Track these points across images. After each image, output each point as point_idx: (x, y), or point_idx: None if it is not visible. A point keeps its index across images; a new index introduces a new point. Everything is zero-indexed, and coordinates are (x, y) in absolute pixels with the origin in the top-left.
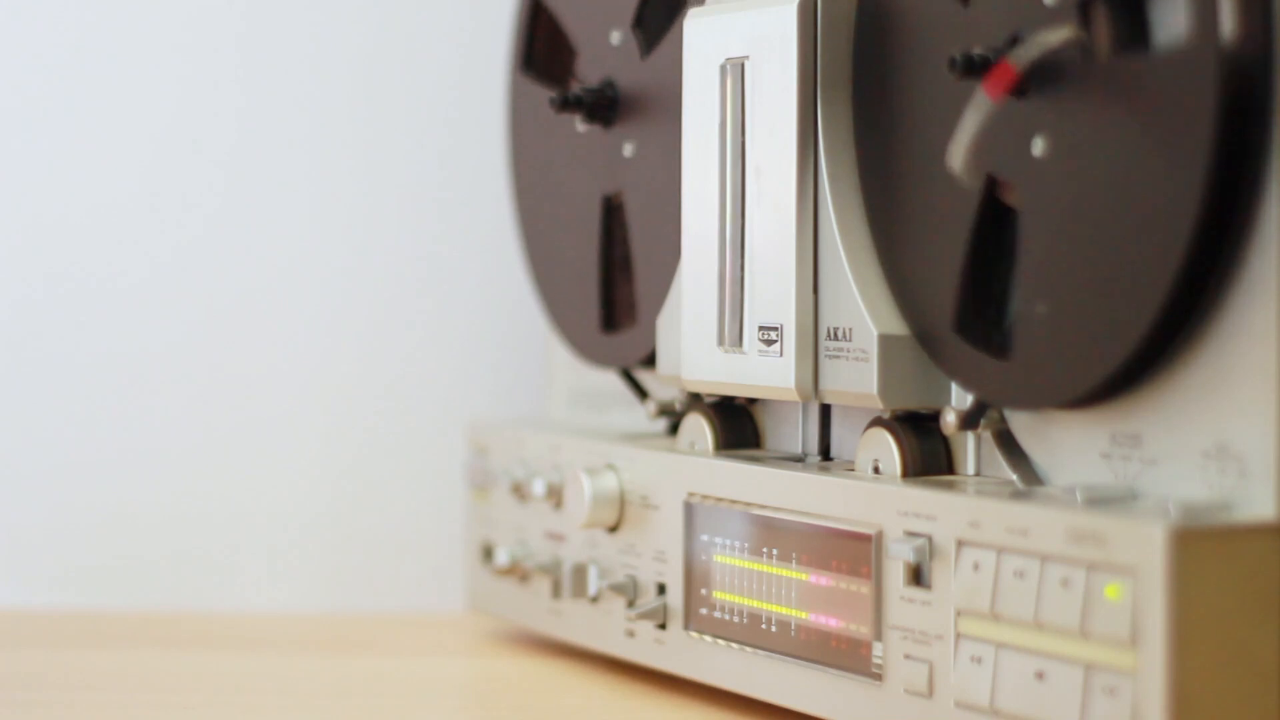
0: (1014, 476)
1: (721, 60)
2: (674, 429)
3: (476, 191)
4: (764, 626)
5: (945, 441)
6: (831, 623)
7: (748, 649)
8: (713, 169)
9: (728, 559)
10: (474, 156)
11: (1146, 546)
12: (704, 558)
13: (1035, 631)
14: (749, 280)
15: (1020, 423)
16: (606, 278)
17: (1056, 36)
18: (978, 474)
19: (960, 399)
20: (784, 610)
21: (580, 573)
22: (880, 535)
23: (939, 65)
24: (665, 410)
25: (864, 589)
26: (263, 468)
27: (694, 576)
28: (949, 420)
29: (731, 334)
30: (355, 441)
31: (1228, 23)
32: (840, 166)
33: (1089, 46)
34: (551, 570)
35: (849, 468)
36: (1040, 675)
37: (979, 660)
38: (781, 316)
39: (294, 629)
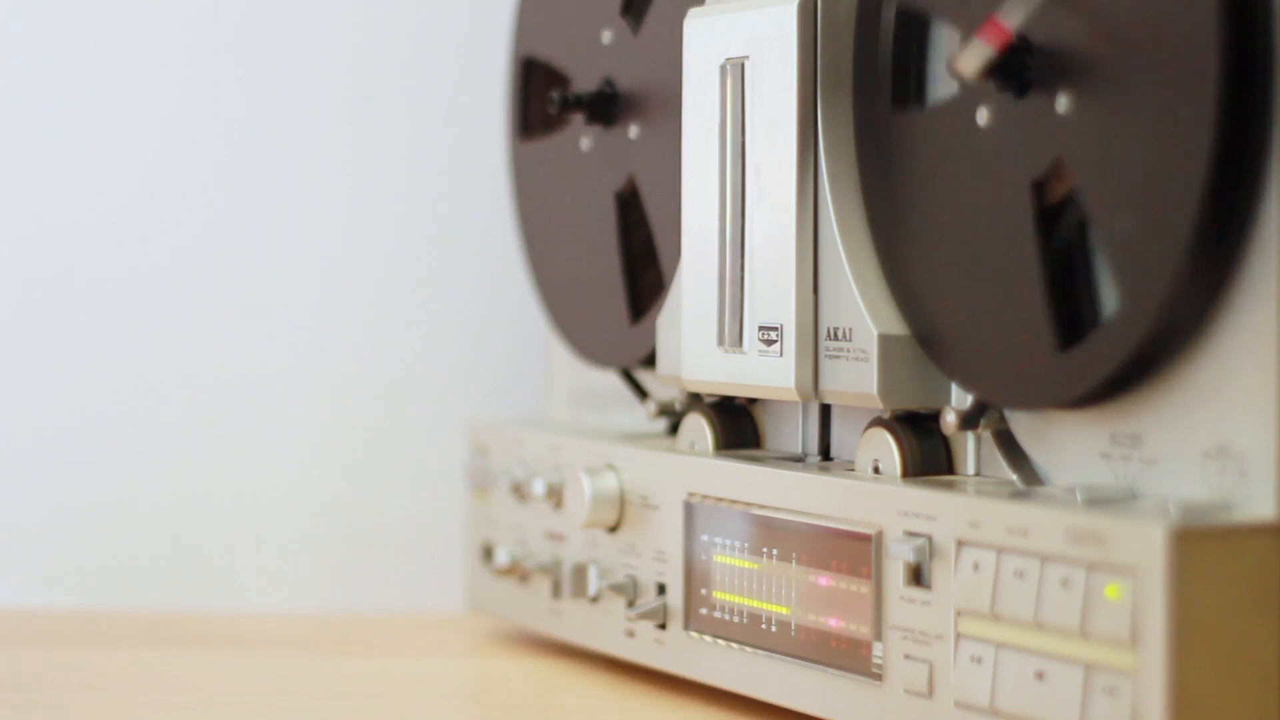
0: (1014, 476)
1: (721, 60)
2: (674, 429)
3: (477, 191)
4: (764, 626)
5: (945, 441)
6: (831, 623)
7: (748, 649)
8: (713, 169)
9: (728, 559)
10: (474, 156)
11: (1146, 546)
12: (704, 558)
13: (1035, 631)
14: (749, 280)
15: (1020, 423)
16: (630, 271)
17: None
18: (978, 474)
19: (960, 399)
20: (784, 610)
21: (580, 573)
22: (880, 535)
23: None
24: (665, 410)
25: (864, 589)
26: (263, 468)
27: (694, 576)
28: (949, 420)
29: (731, 334)
30: (355, 441)
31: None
32: (840, 166)
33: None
34: (551, 570)
35: (849, 468)
36: (1040, 675)
37: (979, 660)
38: (781, 316)
39: (294, 629)
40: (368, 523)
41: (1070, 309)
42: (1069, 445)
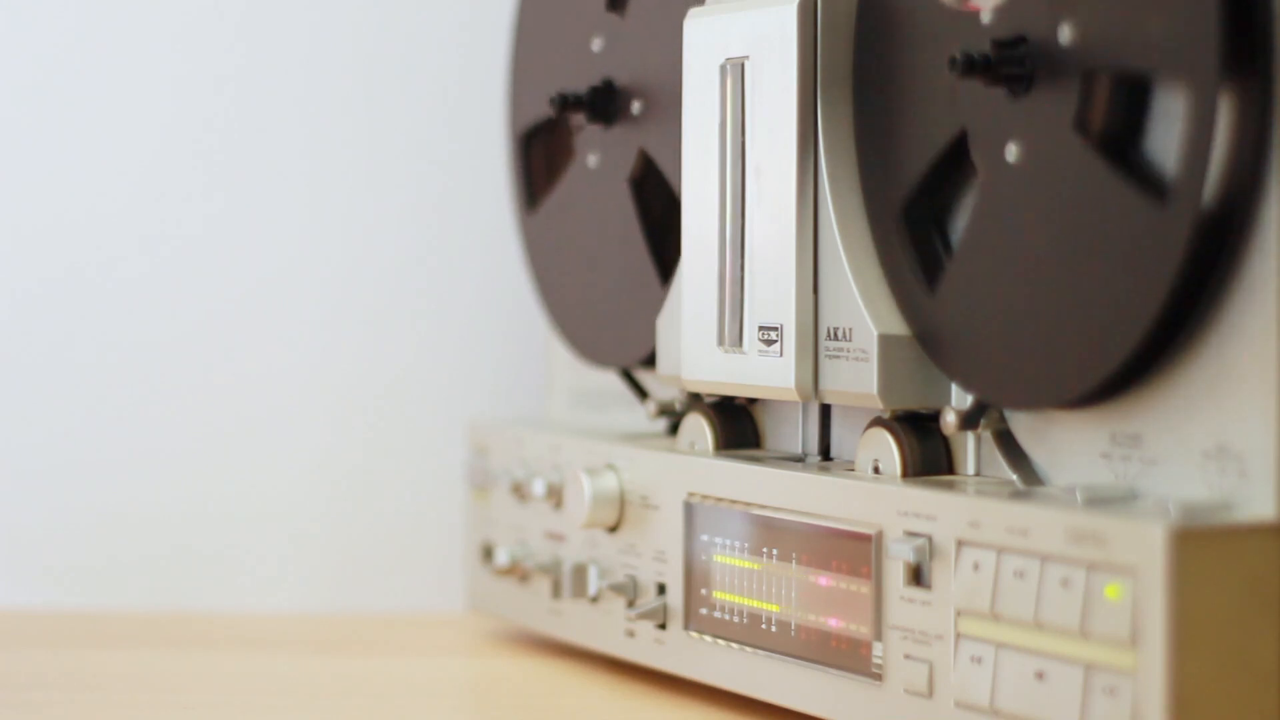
0: (1014, 476)
1: (721, 60)
2: (674, 429)
3: (476, 191)
4: (764, 626)
5: (945, 441)
6: (831, 623)
7: (748, 649)
8: (713, 169)
9: (728, 559)
10: (474, 156)
11: (1146, 546)
12: (704, 558)
13: (1035, 631)
14: (749, 280)
15: (1020, 423)
16: (653, 241)
17: None
18: (978, 474)
19: (960, 399)
20: (784, 610)
21: (580, 573)
22: (880, 535)
23: (939, 65)
24: (665, 410)
25: (864, 589)
26: (263, 468)
27: (694, 576)
28: (949, 420)
29: (731, 334)
30: (355, 442)
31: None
32: (840, 166)
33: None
34: (551, 570)
35: (849, 468)
36: (1040, 675)
37: (979, 660)
38: (781, 316)
39: (294, 629)
40: (368, 523)
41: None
42: (1069, 445)
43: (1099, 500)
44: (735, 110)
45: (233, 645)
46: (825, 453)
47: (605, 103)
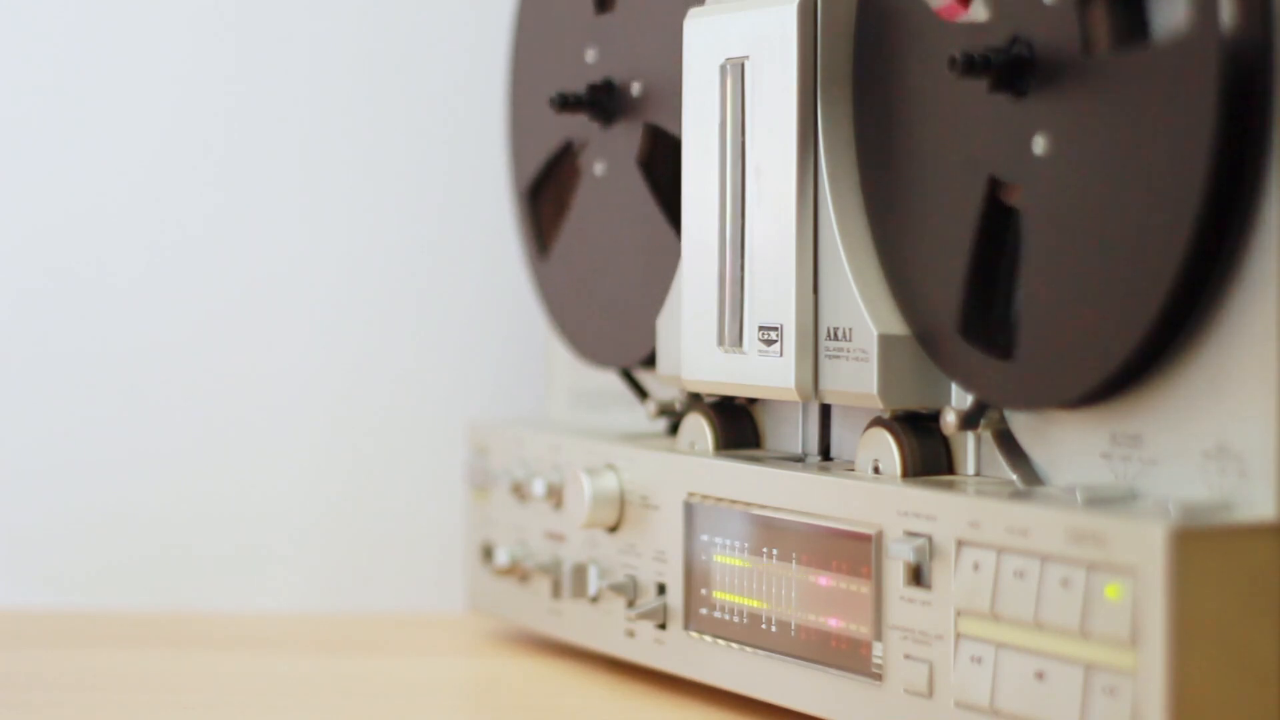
0: (1014, 476)
1: (721, 60)
2: (674, 429)
3: (476, 191)
4: (764, 626)
5: (945, 441)
6: (831, 623)
7: (748, 649)
8: (713, 169)
9: (728, 559)
10: (474, 156)
11: (1146, 546)
12: (704, 558)
13: (1035, 631)
14: (749, 280)
15: (1020, 423)
16: (668, 211)
17: None
18: (978, 474)
19: (960, 399)
20: (784, 610)
21: (580, 573)
22: (880, 535)
23: (939, 65)
24: (665, 410)
25: (864, 589)
26: (262, 468)
27: (694, 576)
28: (949, 420)
29: (731, 334)
30: (355, 442)
31: (1227, 15)
32: (840, 166)
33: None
34: (551, 570)
35: (849, 468)
36: (1040, 675)
37: (979, 660)
38: (781, 316)
39: (294, 629)
40: (368, 523)
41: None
42: (1069, 445)
43: (1099, 500)
44: (735, 110)
45: (233, 645)
46: (825, 453)
47: (605, 99)
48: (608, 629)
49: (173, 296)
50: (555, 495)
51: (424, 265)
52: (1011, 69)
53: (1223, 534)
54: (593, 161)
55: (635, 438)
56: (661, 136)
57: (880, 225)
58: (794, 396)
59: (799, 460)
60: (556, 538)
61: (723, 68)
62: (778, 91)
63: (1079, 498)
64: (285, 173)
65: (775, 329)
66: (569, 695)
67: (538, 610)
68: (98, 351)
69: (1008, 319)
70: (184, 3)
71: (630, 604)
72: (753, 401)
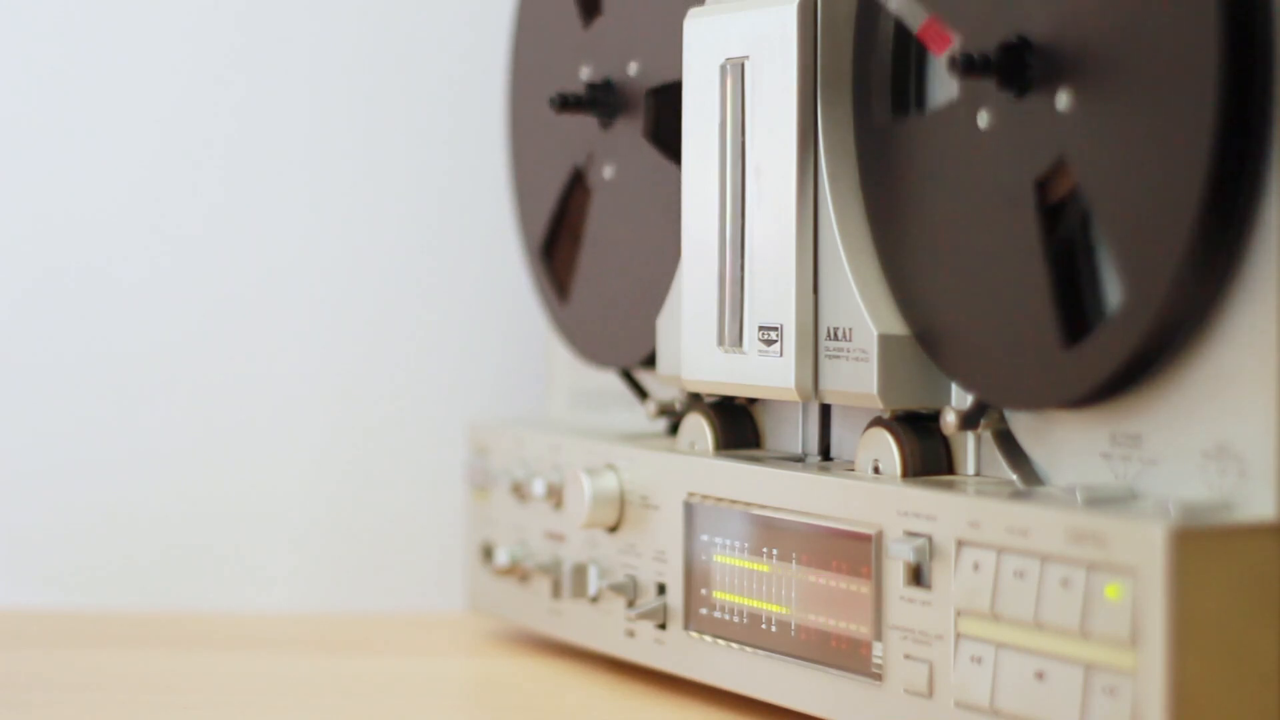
0: (1014, 476)
1: (721, 60)
2: (674, 429)
3: (477, 192)
4: (764, 626)
5: (945, 441)
6: (831, 623)
7: (748, 649)
8: (713, 169)
9: (728, 559)
10: (474, 156)
11: (1146, 546)
12: (704, 558)
13: (1035, 631)
14: (749, 280)
15: (1020, 423)
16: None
17: None
18: (978, 474)
19: (960, 399)
20: (784, 610)
21: (580, 573)
22: (880, 535)
23: (939, 65)
24: (665, 410)
25: (864, 589)
26: (262, 468)
27: (694, 576)
28: (949, 420)
29: (731, 334)
30: (355, 442)
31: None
32: (840, 166)
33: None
34: (551, 570)
35: (849, 468)
36: (1040, 675)
37: (979, 660)
38: (781, 316)
39: (294, 629)
40: (368, 523)
41: (1073, 307)
42: (1069, 445)
43: (1099, 500)
44: (735, 110)
45: (233, 645)
46: (825, 453)
47: (604, 97)
48: (608, 629)
49: (173, 296)
50: (555, 495)
51: (424, 265)
52: (1011, 69)
53: (1223, 534)
54: (601, 168)
55: (635, 438)
56: (663, 101)
57: (880, 225)
58: (794, 396)
59: (799, 460)
60: (556, 538)
61: (723, 68)
62: (778, 91)
63: (1079, 498)
64: (285, 173)
65: (775, 329)
66: (569, 695)
67: (538, 610)
68: (98, 351)
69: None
70: (184, 3)
71: (630, 604)
72: (753, 401)
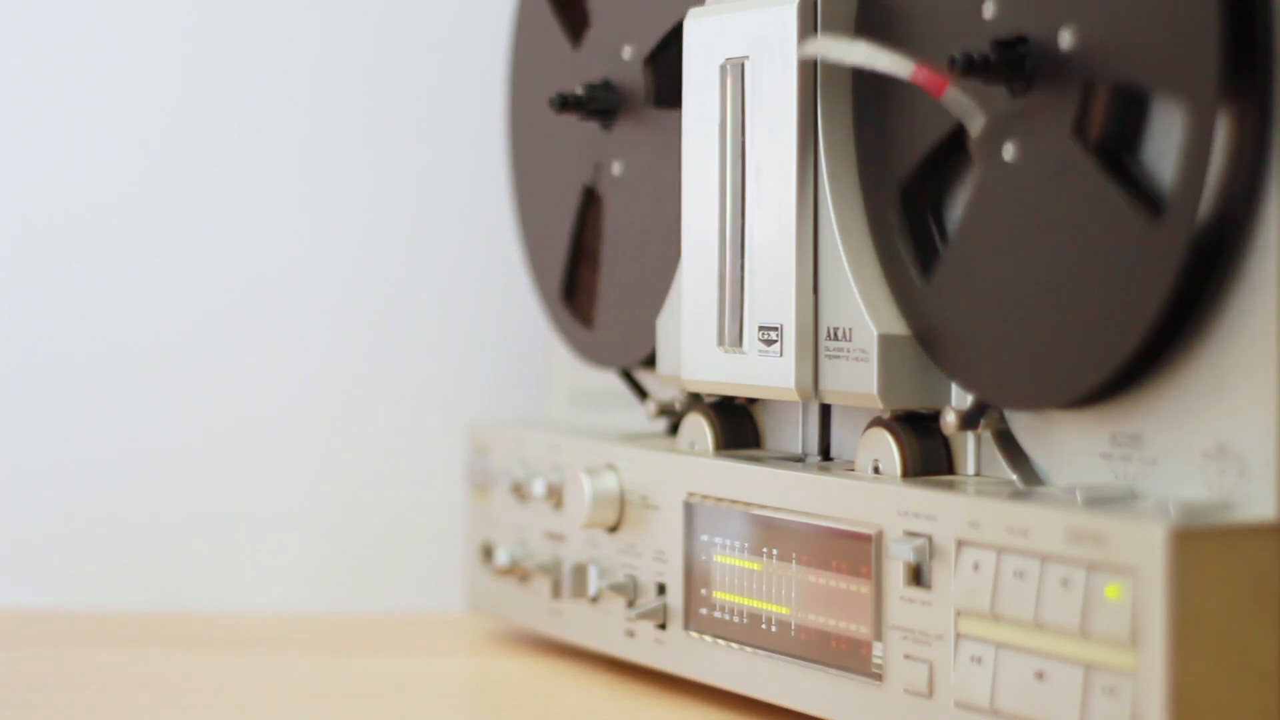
0: (1014, 476)
1: (721, 60)
2: (674, 429)
3: (476, 191)
4: (764, 626)
5: (945, 441)
6: (831, 623)
7: (748, 649)
8: (713, 169)
9: (728, 559)
10: (474, 156)
11: (1146, 546)
12: (704, 558)
13: (1035, 631)
14: (749, 280)
15: (1020, 423)
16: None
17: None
18: (978, 474)
19: (960, 399)
20: (784, 610)
21: (580, 573)
22: (880, 535)
23: (939, 64)
24: (665, 410)
25: (864, 589)
26: (262, 468)
27: (694, 576)
28: (949, 420)
29: (731, 334)
30: (355, 442)
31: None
32: (840, 166)
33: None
34: (551, 570)
35: (849, 468)
36: (1040, 675)
37: (979, 660)
38: (781, 316)
39: (294, 629)
40: (368, 523)
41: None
42: (1069, 445)
43: (1099, 500)
44: (735, 110)
45: (233, 645)
46: (825, 453)
47: (604, 95)
48: (608, 629)
49: (173, 296)
50: (555, 495)
51: (424, 265)
52: (1011, 69)
53: (1223, 534)
54: (608, 168)
55: (635, 438)
56: (661, 66)
57: (880, 225)
58: (794, 396)
59: (799, 460)
60: (556, 538)
61: (723, 68)
62: (778, 91)
63: (1079, 498)
64: (285, 173)
65: (775, 329)
66: (569, 695)
67: (538, 610)
68: (98, 351)
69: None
70: (184, 3)
71: (630, 604)
72: (753, 401)
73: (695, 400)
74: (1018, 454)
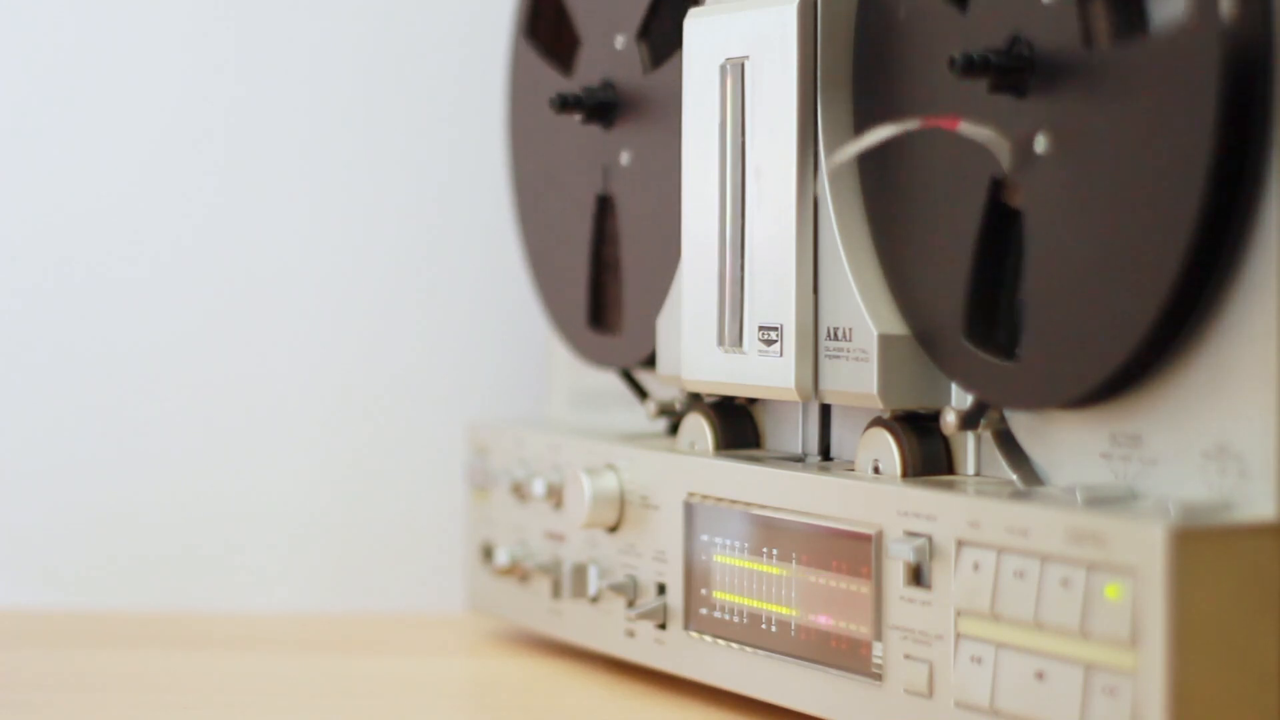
0: (1014, 476)
1: (721, 60)
2: (674, 429)
3: (476, 191)
4: (764, 626)
5: (945, 441)
6: (831, 623)
7: (748, 649)
8: (713, 169)
9: (728, 559)
10: (474, 156)
11: (1146, 546)
12: (704, 558)
13: (1035, 631)
14: (749, 280)
15: (1020, 423)
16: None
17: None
18: (978, 474)
19: (960, 399)
20: (784, 610)
21: (580, 573)
22: (880, 535)
23: (939, 65)
24: (665, 410)
25: (864, 589)
26: (263, 468)
27: (694, 576)
28: (949, 420)
29: (731, 334)
30: (355, 442)
31: (1226, 7)
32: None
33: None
34: (551, 570)
35: (849, 468)
36: (1040, 675)
37: (979, 660)
38: (781, 316)
39: (294, 629)
40: (368, 523)
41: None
42: (1069, 445)
43: (1099, 500)
44: (735, 110)
45: (233, 645)
46: (825, 453)
47: (605, 110)
48: (608, 629)
49: (173, 296)
50: (555, 495)
51: (424, 265)
52: (1011, 69)
53: (1223, 534)
54: (614, 165)
55: (635, 438)
56: (655, 37)
57: (880, 225)
58: (794, 396)
59: (799, 460)
60: (556, 538)
61: (723, 68)
62: (778, 91)
63: (1079, 498)
64: (285, 172)
65: (775, 329)
66: (569, 695)
67: (538, 610)
68: (98, 351)
69: (1009, 319)
70: (185, 4)
71: (630, 604)
72: (753, 401)
73: (695, 400)
74: (1018, 454)
